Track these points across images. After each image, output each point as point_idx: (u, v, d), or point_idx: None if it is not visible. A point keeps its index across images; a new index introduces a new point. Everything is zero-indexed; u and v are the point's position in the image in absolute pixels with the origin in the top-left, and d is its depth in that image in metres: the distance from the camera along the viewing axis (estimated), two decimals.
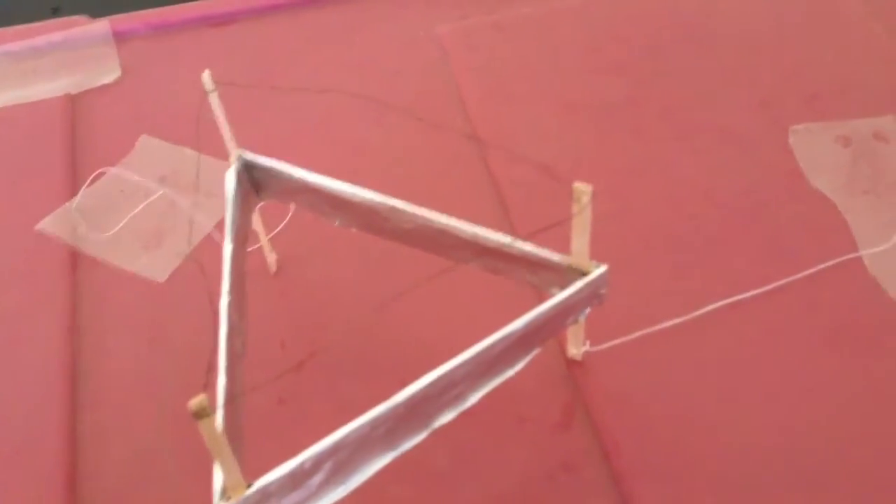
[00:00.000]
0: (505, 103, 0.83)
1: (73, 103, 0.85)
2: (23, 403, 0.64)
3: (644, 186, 0.75)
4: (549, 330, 0.54)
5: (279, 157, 0.60)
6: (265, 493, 0.44)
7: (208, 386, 0.41)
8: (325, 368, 0.64)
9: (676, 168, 0.77)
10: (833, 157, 0.77)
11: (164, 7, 0.95)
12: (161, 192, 0.76)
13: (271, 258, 0.70)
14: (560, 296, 0.52)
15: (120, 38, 0.91)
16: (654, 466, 0.58)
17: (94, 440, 0.62)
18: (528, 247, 0.54)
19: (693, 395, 0.62)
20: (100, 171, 0.78)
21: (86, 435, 0.62)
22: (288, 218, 0.72)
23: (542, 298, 0.53)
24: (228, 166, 0.60)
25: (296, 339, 0.66)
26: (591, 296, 0.55)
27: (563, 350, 0.64)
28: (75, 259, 0.72)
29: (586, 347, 0.62)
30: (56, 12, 1.32)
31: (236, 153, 0.60)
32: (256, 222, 0.67)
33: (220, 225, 0.71)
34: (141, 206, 0.75)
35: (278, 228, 0.71)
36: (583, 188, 0.49)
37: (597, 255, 0.54)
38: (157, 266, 0.71)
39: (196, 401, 0.38)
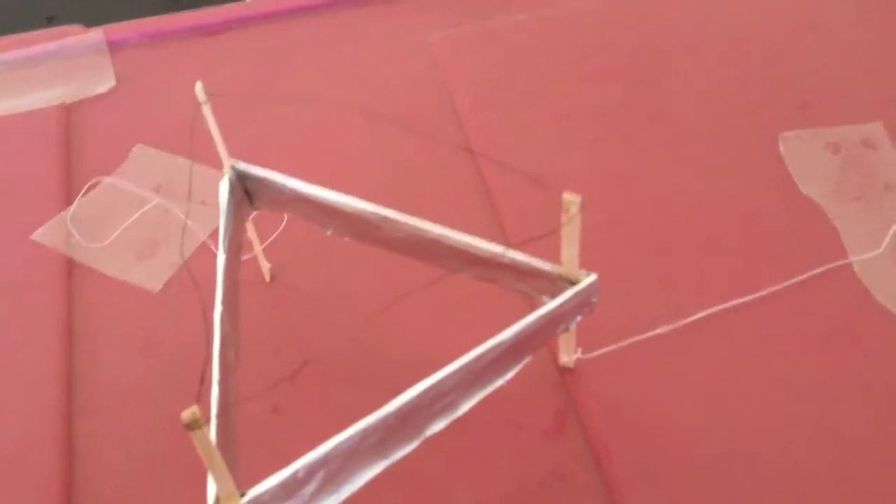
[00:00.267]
0: (497, 111, 0.84)
1: (67, 113, 0.85)
2: (18, 412, 0.64)
3: (635, 194, 0.76)
4: (539, 339, 0.54)
5: (273, 166, 0.61)
6: (258, 503, 0.44)
7: (201, 396, 0.41)
8: (319, 377, 0.64)
9: (667, 176, 0.77)
10: (822, 164, 0.77)
11: (159, 16, 0.95)
12: (155, 202, 0.76)
13: (265, 267, 0.70)
14: (550, 305, 0.52)
15: (114, 47, 0.92)
16: (645, 472, 0.59)
17: (89, 449, 0.62)
18: (519, 256, 0.55)
19: (684, 401, 0.62)
20: (94, 180, 0.78)
21: (80, 443, 0.62)
22: (282, 227, 0.72)
23: (533, 307, 0.54)
24: (222, 176, 0.60)
25: (290, 347, 0.67)
26: (582, 304, 0.55)
27: (555, 357, 0.64)
28: (70, 268, 0.72)
29: (578, 355, 0.63)
30: (51, 21, 1.32)
31: (229, 163, 0.60)
32: (250, 232, 0.67)
33: (214, 234, 0.72)
34: (135, 216, 0.75)
35: (272, 238, 0.72)
36: (571, 199, 0.49)
37: (588, 263, 0.54)
38: (151, 275, 0.71)
39: (188, 412, 0.39)
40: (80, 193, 0.77)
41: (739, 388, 0.63)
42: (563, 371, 0.64)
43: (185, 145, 0.59)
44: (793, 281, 0.68)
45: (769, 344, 0.65)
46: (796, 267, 0.69)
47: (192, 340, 0.51)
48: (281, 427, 0.62)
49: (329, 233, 0.62)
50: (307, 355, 0.65)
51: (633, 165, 0.78)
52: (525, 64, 0.89)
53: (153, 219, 0.75)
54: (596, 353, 0.63)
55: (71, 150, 0.82)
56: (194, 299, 0.53)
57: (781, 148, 0.79)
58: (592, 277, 0.54)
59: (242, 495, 0.44)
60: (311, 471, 0.45)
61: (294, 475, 0.44)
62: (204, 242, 0.73)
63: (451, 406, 0.51)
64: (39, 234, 0.74)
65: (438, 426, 0.51)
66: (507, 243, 0.56)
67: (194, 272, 0.67)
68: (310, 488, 0.46)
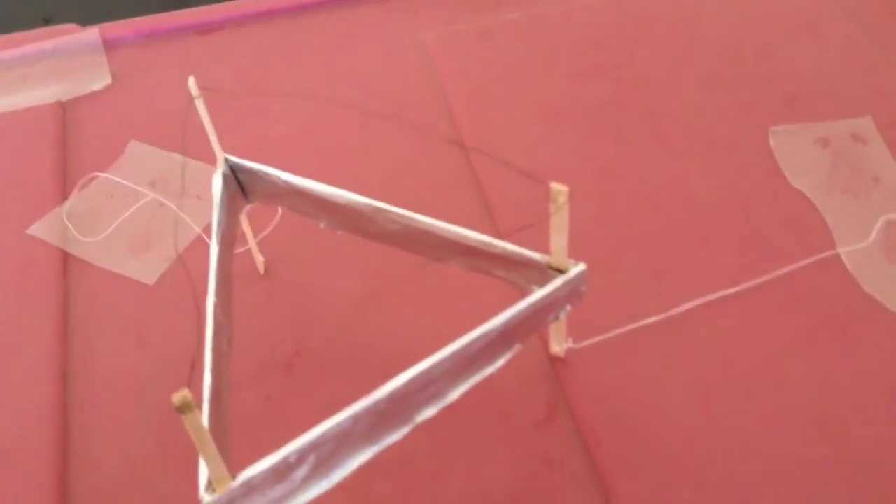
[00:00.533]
0: (490, 108, 0.84)
1: (63, 110, 0.86)
2: (13, 405, 0.64)
3: (625, 188, 0.77)
4: (529, 327, 0.55)
5: (266, 162, 0.61)
6: (249, 486, 0.45)
7: (192, 382, 0.42)
8: (312, 368, 0.65)
9: (657, 170, 0.78)
10: (812, 158, 0.78)
11: (154, 15, 0.96)
12: (150, 197, 0.77)
13: (259, 260, 0.71)
14: (539, 293, 0.53)
15: (110, 45, 0.92)
16: (635, 461, 0.59)
17: (85, 441, 0.63)
18: (509, 246, 0.56)
19: (673, 390, 0.63)
20: (90, 176, 0.79)
21: (76, 435, 0.63)
22: (276, 221, 0.73)
23: (524, 298, 0.54)
24: (216, 170, 0.61)
25: (284, 339, 0.67)
26: (571, 293, 0.56)
27: (546, 347, 0.65)
28: (66, 262, 0.73)
29: (569, 344, 0.63)
30: (48, 22, 1.33)
31: (223, 157, 0.61)
32: (245, 225, 0.68)
33: (208, 228, 0.72)
34: (130, 211, 0.76)
35: (266, 231, 0.72)
36: (559, 188, 0.50)
37: (579, 255, 0.55)
38: (146, 269, 0.72)
39: (179, 395, 0.39)
40: (76, 189, 0.78)
41: (728, 377, 0.64)
42: (554, 361, 0.64)
43: (180, 142, 0.60)
44: (782, 271, 0.69)
45: (758, 334, 0.66)
46: (786, 258, 0.70)
47: (187, 333, 0.52)
48: (274, 416, 0.63)
49: (322, 225, 0.63)
50: (301, 346, 0.66)
51: (624, 160, 0.79)
52: (517, 61, 0.90)
53: (148, 213, 0.76)
54: (586, 342, 0.64)
55: (67, 147, 0.82)
56: (189, 293, 0.54)
57: (772, 142, 0.79)
58: (581, 267, 0.54)
59: (234, 479, 0.44)
60: (302, 455, 0.46)
61: (285, 459, 0.45)
62: (199, 236, 0.73)
63: (442, 393, 0.51)
64: (35, 229, 0.75)
65: (429, 413, 0.51)
66: (499, 235, 0.57)
67: (189, 266, 0.67)
68: (301, 472, 0.46)
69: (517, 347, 0.55)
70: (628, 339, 0.64)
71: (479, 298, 0.61)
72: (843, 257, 0.70)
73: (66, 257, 0.73)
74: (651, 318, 0.65)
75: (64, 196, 0.78)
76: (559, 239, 0.53)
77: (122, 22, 0.95)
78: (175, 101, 0.62)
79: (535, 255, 0.55)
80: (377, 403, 0.47)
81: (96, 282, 0.72)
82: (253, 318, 0.67)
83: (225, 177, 0.61)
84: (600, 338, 0.64)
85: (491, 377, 0.54)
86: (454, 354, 0.49)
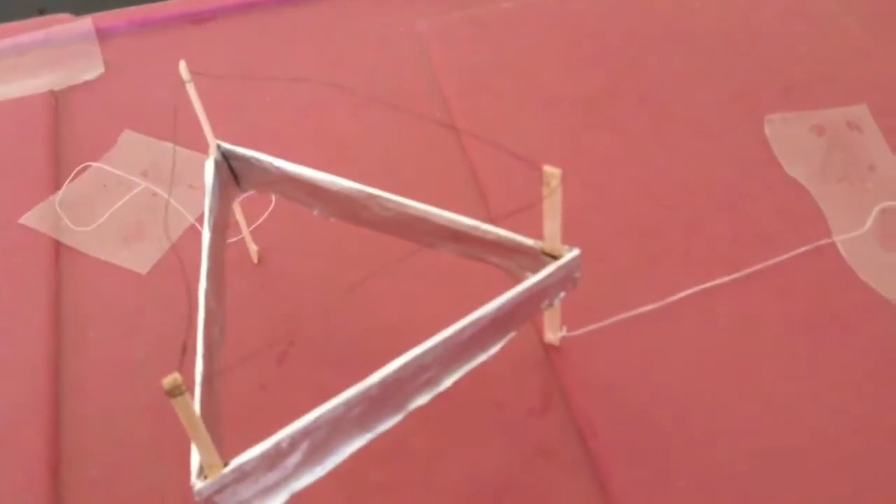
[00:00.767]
0: (484, 97, 0.84)
1: (56, 99, 0.86)
2: (5, 393, 0.64)
3: (620, 177, 0.76)
4: (523, 314, 0.55)
5: (259, 149, 0.61)
6: (242, 473, 0.44)
7: (183, 368, 0.42)
8: (306, 356, 0.65)
9: (652, 159, 0.78)
10: (808, 146, 0.78)
11: (147, 5, 0.95)
12: (143, 186, 0.76)
13: (253, 250, 0.71)
14: (533, 279, 0.53)
15: (103, 35, 0.92)
16: (629, 449, 0.59)
17: (77, 429, 0.62)
18: (502, 232, 0.55)
19: (668, 378, 0.63)
20: (83, 165, 0.78)
21: (68, 424, 0.63)
22: (269, 210, 0.73)
23: (517, 284, 0.54)
24: (208, 157, 0.60)
25: (277, 328, 0.67)
26: (565, 279, 0.55)
27: (540, 336, 0.64)
28: (58, 252, 0.73)
29: (563, 333, 0.63)
30: (42, 13, 1.32)
31: (215, 143, 0.60)
32: (238, 214, 0.68)
33: (201, 218, 0.71)
34: (123, 200, 0.76)
35: (260, 220, 0.72)
36: (552, 171, 0.50)
37: (573, 243, 0.55)
38: (139, 258, 0.72)
39: (169, 378, 0.39)
40: (69, 178, 0.78)
41: (723, 365, 0.63)
42: (549, 349, 0.64)
43: (173, 131, 0.60)
44: (777, 259, 0.69)
45: (753, 322, 0.66)
46: (781, 247, 0.70)
47: (179, 322, 0.52)
48: (267, 403, 0.62)
49: (316, 213, 0.62)
50: (294, 335, 0.66)
51: (618, 149, 0.79)
52: (511, 51, 0.89)
53: (141, 203, 0.76)
54: (581, 330, 0.63)
55: (59, 136, 0.82)
56: (182, 282, 0.53)
57: (767, 130, 0.79)
58: (575, 252, 0.54)
59: (226, 465, 0.44)
60: (294, 441, 0.45)
61: (277, 445, 0.45)
62: (192, 226, 0.73)
63: (434, 380, 0.51)
64: (28, 218, 0.75)
65: (422, 400, 0.51)
66: (492, 222, 0.56)
67: (182, 255, 0.67)
68: (294, 459, 0.46)
69: (511, 335, 0.55)
70: (623, 328, 0.64)
71: (473, 285, 0.60)
72: (839, 245, 0.70)
73: (58, 247, 0.73)
74: (646, 307, 0.65)
75: (56, 185, 0.77)
76: (552, 223, 0.52)
77: (115, 11, 0.95)
78: (168, 91, 0.62)
79: (529, 241, 0.54)
80: (369, 390, 0.47)
81: (89, 271, 0.71)
82: (246, 306, 0.67)
83: (217, 163, 0.60)
84: (595, 326, 0.64)
85: (484, 365, 0.54)
86: (446, 341, 0.49)
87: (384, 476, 0.59)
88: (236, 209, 0.67)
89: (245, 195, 0.65)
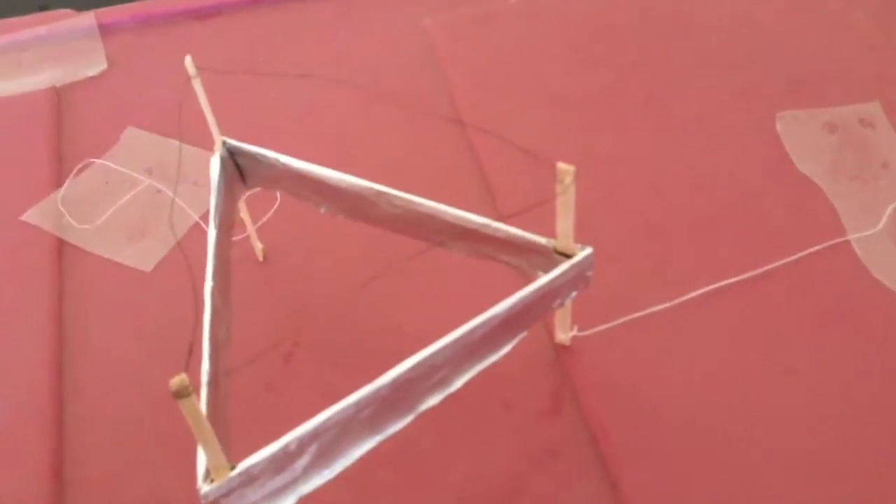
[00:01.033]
0: (490, 94, 0.83)
1: (58, 95, 0.85)
2: (7, 393, 0.63)
3: (629, 175, 0.75)
4: (534, 314, 0.54)
5: (265, 146, 0.60)
6: (249, 476, 0.43)
7: (189, 368, 0.41)
8: (312, 356, 0.64)
9: (660, 156, 0.77)
10: (820, 144, 0.77)
11: (150, 0, 0.95)
12: (147, 183, 0.76)
13: (258, 247, 0.70)
14: (545, 278, 0.52)
15: (105, 30, 0.91)
16: (641, 449, 0.58)
17: (80, 427, 0.62)
18: (513, 230, 0.54)
19: (680, 379, 0.62)
20: (85, 161, 0.78)
21: (71, 423, 0.62)
22: (275, 208, 0.72)
23: (528, 283, 0.53)
24: (214, 153, 0.59)
25: (283, 326, 0.66)
26: (577, 279, 0.54)
27: (551, 336, 0.64)
28: (61, 249, 0.72)
29: (574, 332, 0.62)
30: (44, 9, 1.31)
31: (220, 139, 0.59)
32: (243, 212, 0.67)
33: (206, 216, 0.71)
34: (127, 197, 0.75)
35: (265, 218, 0.71)
36: (566, 168, 0.49)
37: (583, 242, 0.54)
38: (143, 256, 0.71)
39: (176, 380, 0.38)
40: (71, 175, 0.77)
41: (736, 365, 0.62)
42: (560, 349, 0.63)
43: (177, 128, 0.59)
44: (791, 259, 0.68)
45: (766, 321, 0.65)
46: (794, 245, 0.69)
47: (184, 321, 0.51)
48: (274, 404, 0.62)
49: (322, 210, 0.61)
50: (301, 334, 0.65)
51: (627, 147, 0.78)
52: (518, 47, 0.88)
53: (144, 200, 0.75)
54: (592, 330, 0.62)
55: (62, 133, 0.81)
56: (186, 280, 0.52)
57: (778, 127, 0.78)
58: (588, 250, 0.53)
59: (233, 468, 0.43)
60: (303, 444, 0.44)
61: (286, 448, 0.44)
62: (197, 223, 0.72)
63: (445, 381, 0.50)
64: (30, 215, 0.74)
65: (432, 401, 0.50)
66: (501, 219, 0.55)
67: (187, 253, 0.66)
68: (302, 462, 0.45)
69: (522, 335, 0.54)
70: (635, 328, 0.63)
71: (483, 285, 0.59)
72: (853, 244, 0.69)
73: (60, 244, 0.72)
74: (658, 306, 0.64)
75: (59, 182, 0.76)
76: (565, 221, 0.52)
77: (118, 7, 0.94)
78: (172, 87, 0.61)
79: (541, 239, 0.54)
80: (380, 390, 0.46)
81: (92, 269, 0.71)
82: (252, 305, 0.66)
83: (222, 160, 0.59)
84: (606, 326, 0.63)
85: (495, 365, 0.53)
86: (458, 341, 0.48)
87: (393, 476, 0.58)
88: (242, 207, 0.66)
89: (250, 192, 0.64)
